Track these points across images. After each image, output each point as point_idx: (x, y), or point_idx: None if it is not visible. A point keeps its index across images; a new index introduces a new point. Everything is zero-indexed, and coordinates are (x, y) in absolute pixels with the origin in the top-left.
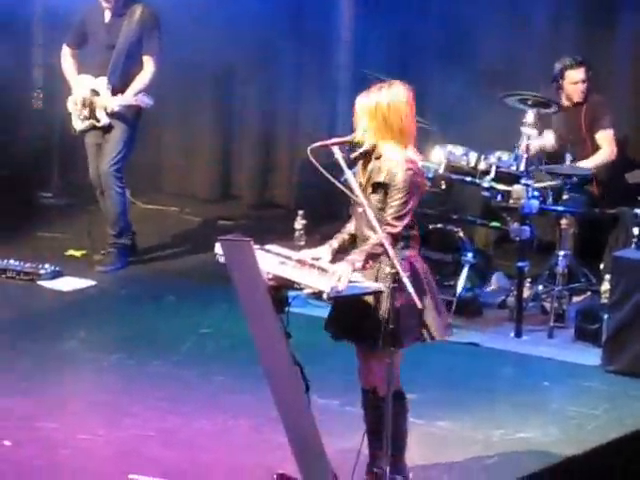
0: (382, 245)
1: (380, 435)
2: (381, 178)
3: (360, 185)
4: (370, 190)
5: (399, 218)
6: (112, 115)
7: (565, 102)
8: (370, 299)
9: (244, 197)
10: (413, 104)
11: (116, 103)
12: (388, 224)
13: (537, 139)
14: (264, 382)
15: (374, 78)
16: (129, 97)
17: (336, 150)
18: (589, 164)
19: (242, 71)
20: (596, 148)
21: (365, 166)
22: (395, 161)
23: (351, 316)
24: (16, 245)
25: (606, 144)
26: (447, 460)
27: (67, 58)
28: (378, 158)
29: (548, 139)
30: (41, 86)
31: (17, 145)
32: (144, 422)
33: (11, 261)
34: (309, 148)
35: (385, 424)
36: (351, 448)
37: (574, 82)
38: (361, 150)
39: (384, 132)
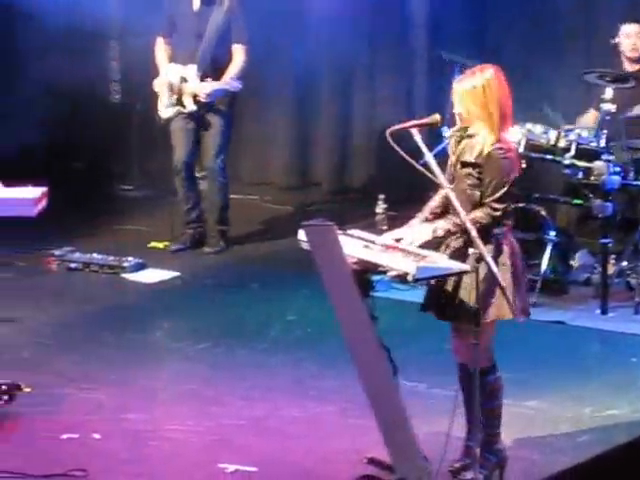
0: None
1: (470, 409)
2: (472, 157)
3: (451, 163)
4: (459, 166)
5: (499, 200)
6: (208, 108)
7: (626, 66)
8: (457, 277)
9: (324, 183)
10: (506, 87)
11: (207, 90)
12: (489, 207)
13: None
14: (352, 367)
15: (451, 60)
16: (214, 83)
17: (415, 132)
18: None
19: (316, 58)
20: None
21: (457, 145)
22: (487, 142)
23: (442, 293)
24: (98, 239)
25: None
26: (536, 439)
27: (160, 47)
28: (471, 137)
29: (585, 121)
30: (118, 79)
31: (96, 138)
32: (232, 411)
33: (94, 255)
34: (388, 131)
35: (473, 401)
36: (440, 430)
37: (627, 35)
38: (454, 130)
39: (480, 115)
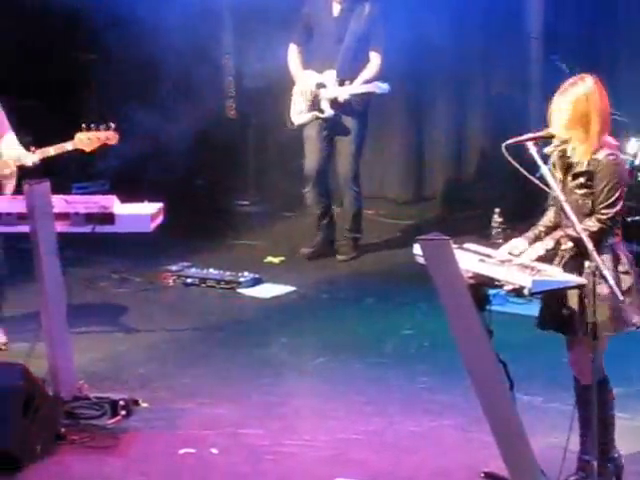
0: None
1: (585, 423)
2: (583, 167)
3: (558, 178)
4: (570, 179)
5: (610, 206)
6: (344, 112)
7: None
8: (573, 290)
9: (438, 197)
10: (605, 95)
11: (347, 92)
12: (598, 212)
13: None
14: (468, 381)
15: (564, 68)
16: (359, 86)
17: (530, 145)
18: None
19: (432, 71)
20: None
21: (562, 159)
22: (597, 150)
23: (556, 306)
24: (215, 254)
25: None
26: None
27: (293, 55)
28: (575, 148)
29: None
30: (234, 95)
31: (212, 154)
32: (349, 425)
33: (211, 270)
34: (503, 145)
35: (590, 414)
36: (557, 444)
37: None
38: (556, 144)
39: (579, 125)
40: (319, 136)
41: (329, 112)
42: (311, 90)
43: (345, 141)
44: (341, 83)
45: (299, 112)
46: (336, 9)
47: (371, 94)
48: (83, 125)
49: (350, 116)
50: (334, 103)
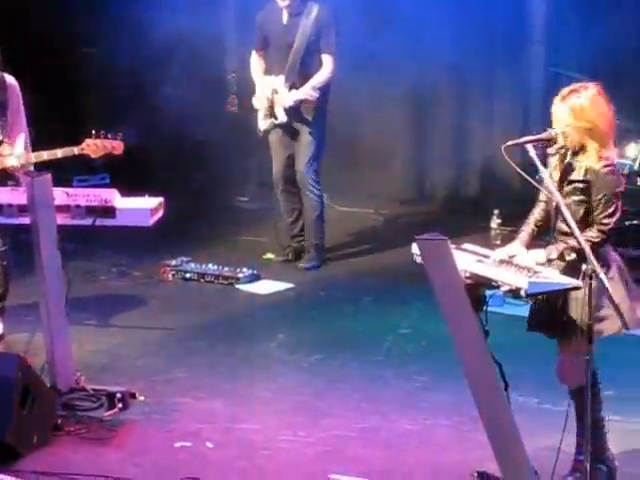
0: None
1: (579, 425)
2: (580, 175)
3: (555, 180)
4: (566, 184)
5: (609, 215)
6: (297, 119)
7: None
8: (568, 293)
9: (438, 197)
10: (609, 104)
11: (290, 99)
12: (599, 223)
13: None
14: (463, 381)
15: (565, 77)
16: (302, 92)
17: (530, 148)
18: None
19: (434, 73)
20: None
21: (561, 162)
22: (594, 159)
23: (548, 309)
24: (214, 249)
25: None
26: None
27: (255, 61)
28: (575, 154)
29: None
30: (235, 91)
31: (213, 150)
32: (344, 422)
33: (209, 265)
34: (503, 146)
35: (584, 416)
36: (551, 446)
37: None
38: (558, 147)
39: (583, 132)
40: (281, 142)
41: (282, 118)
42: (267, 96)
43: (299, 147)
44: (292, 88)
45: (262, 118)
46: (285, 17)
47: (320, 98)
48: (93, 131)
49: (300, 122)
50: (285, 109)
